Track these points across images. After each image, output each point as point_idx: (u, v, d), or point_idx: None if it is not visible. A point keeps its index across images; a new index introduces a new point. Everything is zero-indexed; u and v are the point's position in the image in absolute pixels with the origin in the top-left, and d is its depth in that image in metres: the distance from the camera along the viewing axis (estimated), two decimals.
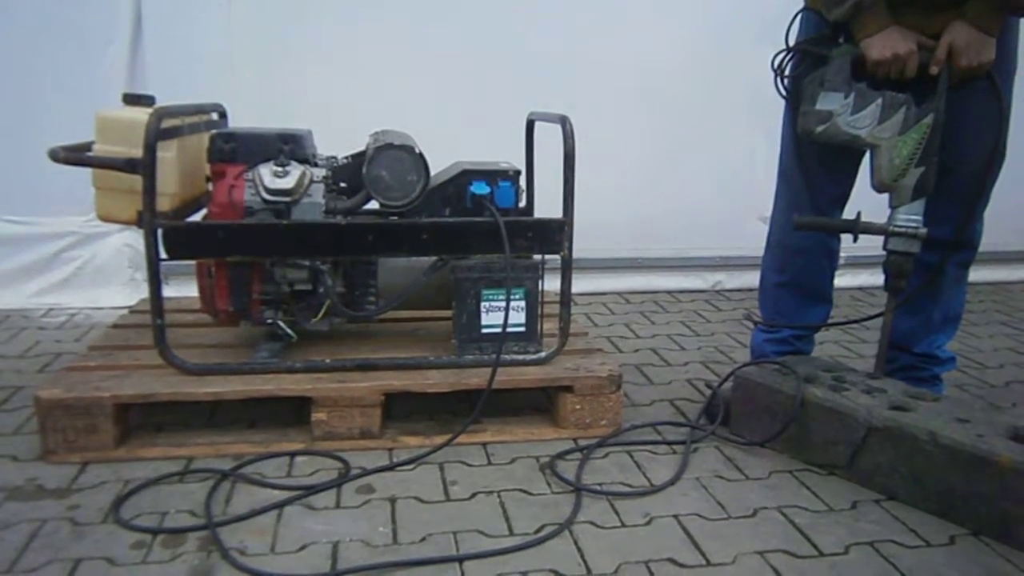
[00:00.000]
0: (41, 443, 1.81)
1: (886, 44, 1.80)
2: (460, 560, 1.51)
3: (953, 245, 1.98)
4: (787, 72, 1.98)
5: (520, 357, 2.04)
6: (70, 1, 2.85)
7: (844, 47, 1.86)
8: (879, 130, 1.85)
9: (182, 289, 2.64)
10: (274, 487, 1.74)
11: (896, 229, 1.90)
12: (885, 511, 1.71)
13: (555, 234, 1.99)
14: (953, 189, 1.92)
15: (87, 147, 1.91)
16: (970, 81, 1.84)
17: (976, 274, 2.13)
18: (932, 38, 1.81)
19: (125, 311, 2.50)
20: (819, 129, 1.87)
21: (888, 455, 1.75)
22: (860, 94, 1.84)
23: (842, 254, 2.18)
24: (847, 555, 1.56)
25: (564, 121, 1.95)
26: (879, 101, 1.83)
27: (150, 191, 1.78)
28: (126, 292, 3.02)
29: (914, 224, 1.89)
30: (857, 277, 3.54)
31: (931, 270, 2.00)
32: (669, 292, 3.51)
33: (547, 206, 2.12)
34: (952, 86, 1.83)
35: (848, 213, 2.07)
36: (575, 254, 2.02)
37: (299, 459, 1.87)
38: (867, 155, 1.94)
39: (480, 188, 2.02)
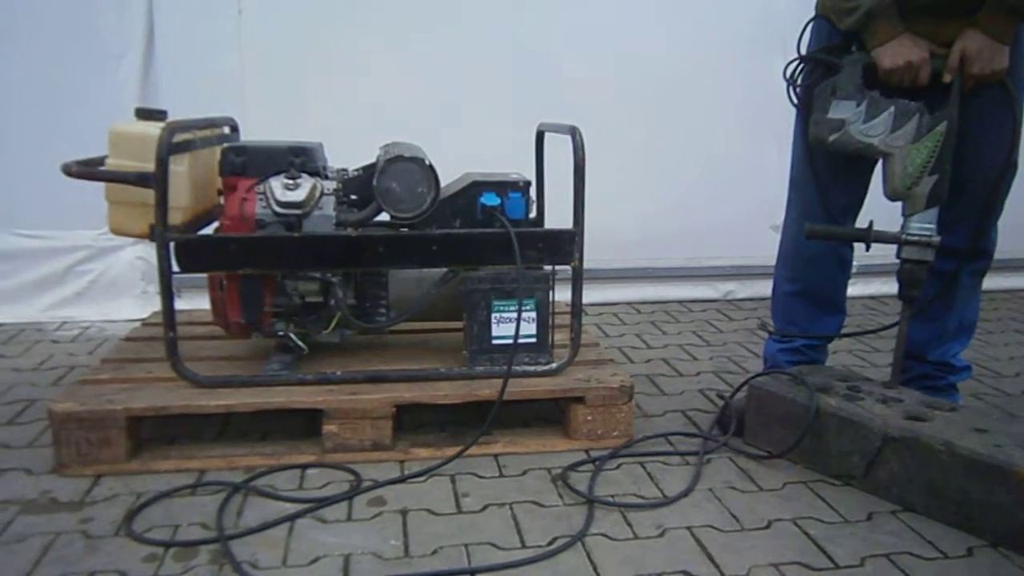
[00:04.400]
0: (55, 456, 1.82)
1: (898, 52, 1.79)
2: (472, 573, 1.50)
3: (968, 253, 1.96)
4: (799, 81, 1.98)
5: (531, 368, 2.03)
6: (83, 17, 2.88)
7: (856, 55, 1.85)
8: (892, 138, 1.84)
9: (194, 302, 2.65)
10: (286, 500, 1.74)
11: (909, 238, 1.89)
12: (902, 522, 1.69)
13: (566, 245, 1.98)
14: (967, 197, 1.91)
15: (100, 161, 1.93)
16: (983, 89, 1.83)
17: (990, 281, 2.11)
18: (944, 46, 1.81)
19: (137, 324, 2.51)
20: (832, 137, 1.86)
21: (904, 465, 1.73)
22: (872, 102, 1.83)
23: (853, 262, 2.16)
24: (863, 567, 1.54)
25: (574, 132, 1.94)
26: (892, 109, 1.83)
27: (162, 205, 1.79)
28: (138, 305, 3.04)
29: (928, 232, 1.87)
30: (869, 286, 3.52)
31: (946, 278, 1.98)
32: (680, 302, 3.49)
33: (557, 217, 2.12)
34: (965, 94, 1.82)
35: (860, 221, 2.05)
36: (585, 264, 2.01)
37: (310, 471, 1.87)
38: (879, 163, 1.93)
39: (490, 199, 2.02)
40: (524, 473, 1.88)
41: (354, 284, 2.07)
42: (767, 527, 1.67)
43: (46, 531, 1.60)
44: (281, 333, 2.04)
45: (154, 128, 1.82)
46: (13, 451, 1.95)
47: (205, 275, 2.00)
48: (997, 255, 2.04)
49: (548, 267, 2.04)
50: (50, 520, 1.64)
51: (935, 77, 1.82)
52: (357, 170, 2.09)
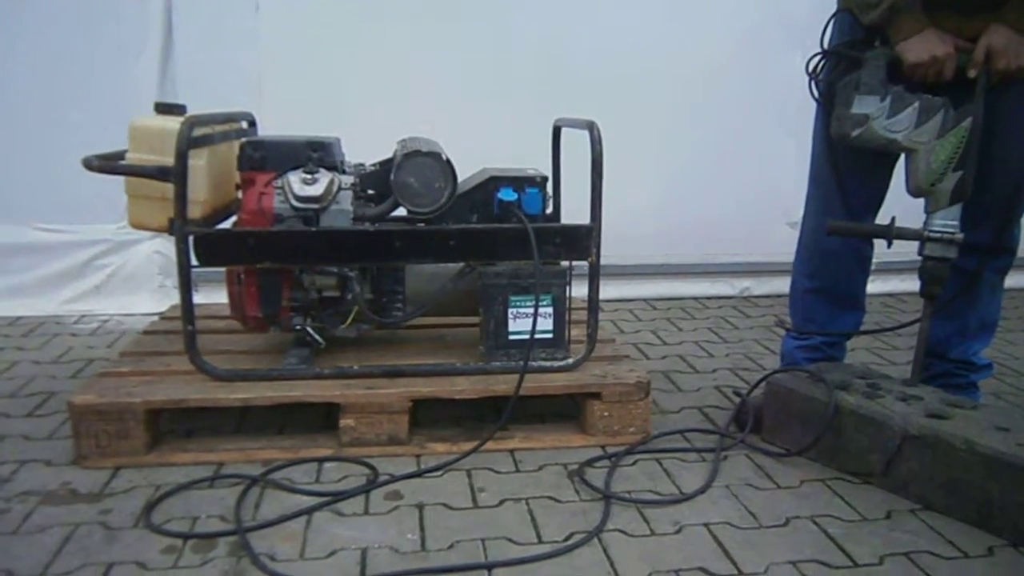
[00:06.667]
0: (74, 448, 1.83)
1: (923, 47, 1.77)
2: (489, 567, 1.50)
3: (991, 250, 1.94)
4: (821, 76, 1.96)
5: (548, 364, 2.03)
6: (102, 12, 2.90)
7: (879, 50, 1.83)
8: (916, 134, 1.82)
9: (212, 296, 2.66)
10: (303, 493, 1.74)
11: (932, 235, 1.87)
12: (921, 521, 1.68)
13: (583, 240, 1.98)
14: (991, 193, 1.89)
15: (120, 155, 1.94)
16: (1009, 84, 1.80)
17: (1011, 279, 2.09)
18: (969, 41, 1.78)
19: (156, 318, 2.53)
20: (855, 133, 1.85)
21: (924, 464, 1.72)
22: (896, 97, 1.81)
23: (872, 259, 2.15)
24: (882, 566, 1.53)
25: (591, 127, 1.94)
26: (916, 104, 1.80)
27: (181, 199, 1.79)
28: (156, 299, 3.06)
29: (951, 229, 1.85)
30: (887, 283, 3.49)
31: (968, 276, 1.96)
32: (696, 298, 3.48)
33: (573, 212, 2.11)
34: (990, 89, 1.80)
35: (881, 218, 2.04)
36: (601, 260, 2.01)
37: (327, 465, 1.87)
38: (901, 159, 1.91)
39: (507, 194, 2.02)
40: (540, 468, 1.88)
41: (371, 279, 2.07)
42: (785, 524, 1.66)
43: (66, 522, 1.61)
44: (298, 327, 2.05)
45: (173, 122, 1.83)
46: (33, 443, 1.96)
47: (223, 269, 2.01)
48: (1019, 253, 2.01)
49: (565, 263, 2.04)
50: (70, 511, 1.65)
51: (960, 72, 1.79)
52: (374, 165, 2.10)
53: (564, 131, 2.26)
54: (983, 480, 1.63)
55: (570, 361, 2.04)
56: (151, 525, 1.60)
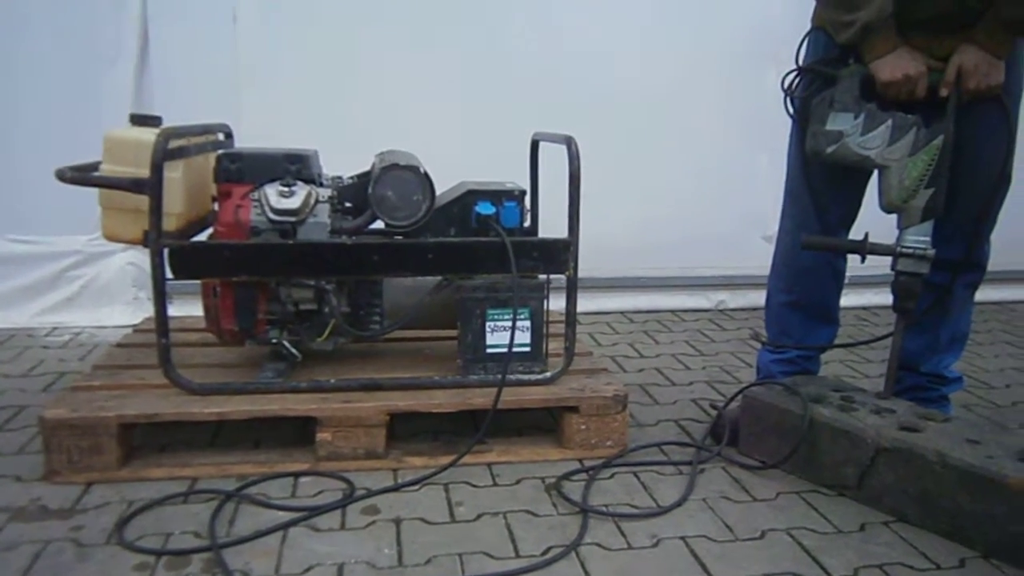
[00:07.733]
0: (45, 463, 1.80)
1: (896, 65, 1.81)
2: None
3: (961, 265, 1.97)
4: (796, 92, 1.99)
5: (525, 377, 2.03)
6: (77, 21, 2.87)
7: (853, 67, 1.86)
8: (889, 151, 1.85)
9: (186, 308, 2.64)
10: (279, 508, 1.73)
11: (905, 250, 1.90)
12: (894, 533, 1.70)
13: (561, 254, 1.98)
14: (961, 210, 1.92)
15: (94, 167, 1.92)
16: (979, 102, 1.84)
17: (980, 294, 2.12)
18: (941, 60, 1.82)
19: (129, 330, 2.50)
20: (829, 150, 1.87)
21: (897, 476, 1.74)
22: (870, 115, 1.84)
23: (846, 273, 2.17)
24: None
25: (569, 142, 1.95)
26: (889, 122, 1.83)
27: (156, 211, 1.78)
28: (129, 311, 3.02)
29: (923, 245, 1.88)
30: (861, 296, 3.53)
31: (939, 290, 1.99)
32: (673, 311, 3.50)
33: (550, 226, 2.12)
34: (960, 107, 1.83)
35: (854, 233, 2.06)
36: (579, 273, 2.01)
37: (303, 480, 1.85)
38: (874, 175, 1.94)
39: (485, 208, 2.02)
40: (518, 482, 1.88)
41: (348, 292, 2.06)
42: (760, 537, 1.67)
43: (36, 539, 1.58)
44: (275, 340, 2.03)
45: (149, 134, 1.82)
46: (2, 458, 1.93)
47: (198, 282, 1.99)
48: (988, 268, 2.05)
49: (542, 276, 2.04)
50: (40, 528, 1.62)
51: (932, 91, 1.83)
52: (352, 178, 2.09)
53: (544, 145, 2.27)
54: (955, 492, 1.65)
55: (548, 374, 2.04)
56: (124, 542, 1.58)
